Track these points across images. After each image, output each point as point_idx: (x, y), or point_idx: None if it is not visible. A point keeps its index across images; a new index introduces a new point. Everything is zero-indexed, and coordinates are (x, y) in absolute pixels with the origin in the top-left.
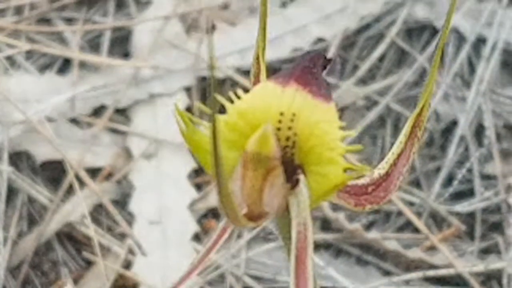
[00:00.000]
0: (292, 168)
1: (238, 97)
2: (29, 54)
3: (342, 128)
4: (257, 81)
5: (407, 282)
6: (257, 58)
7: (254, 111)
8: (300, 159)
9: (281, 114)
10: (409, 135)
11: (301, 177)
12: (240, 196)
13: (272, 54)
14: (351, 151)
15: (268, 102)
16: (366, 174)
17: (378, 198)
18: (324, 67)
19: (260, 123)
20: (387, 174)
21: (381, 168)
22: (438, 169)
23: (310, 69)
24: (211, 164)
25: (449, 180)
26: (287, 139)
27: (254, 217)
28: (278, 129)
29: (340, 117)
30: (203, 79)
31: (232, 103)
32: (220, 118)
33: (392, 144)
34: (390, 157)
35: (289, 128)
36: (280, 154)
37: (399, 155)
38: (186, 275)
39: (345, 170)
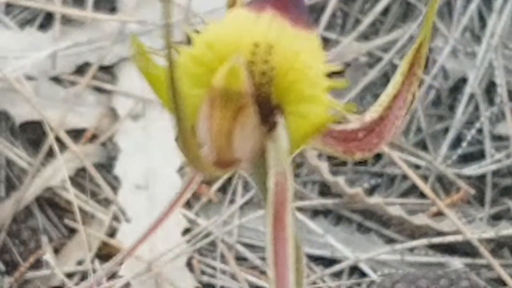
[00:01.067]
0: (268, 109)
1: (206, 25)
2: (8, 8)
3: (326, 61)
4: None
5: (411, 250)
6: None
7: (224, 41)
8: (278, 98)
9: (255, 45)
10: (406, 74)
11: (279, 118)
12: (206, 139)
13: None
14: (337, 87)
15: (239, 31)
16: (356, 116)
17: (371, 145)
18: None
19: (230, 55)
20: (381, 118)
21: (374, 112)
22: (446, 130)
23: None
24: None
25: (457, 141)
26: (263, 74)
27: (223, 164)
28: (252, 62)
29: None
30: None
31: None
32: (185, 50)
33: None
34: (384, 99)
35: (265, 62)
36: (252, 90)
37: (395, 96)
38: (148, 231)
39: (328, 110)
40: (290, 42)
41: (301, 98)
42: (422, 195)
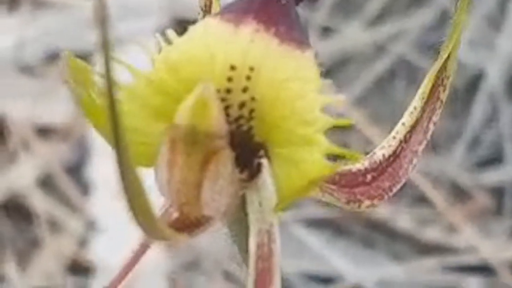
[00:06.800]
0: (249, 150)
1: (168, 42)
2: None
3: (326, 89)
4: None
5: (421, 267)
6: None
7: (191, 63)
8: (262, 136)
9: (232, 67)
10: (428, 98)
11: (264, 162)
12: (166, 193)
13: None
14: (339, 126)
15: (211, 50)
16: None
17: (382, 190)
18: None
19: (199, 82)
20: (395, 155)
21: (386, 147)
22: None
23: None
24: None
25: (473, 144)
26: (241, 106)
27: (188, 225)
28: (228, 91)
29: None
30: (180, 21)
31: (159, 52)
32: (141, 74)
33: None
34: (399, 129)
35: (244, 90)
36: (227, 129)
37: (413, 127)
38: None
39: (328, 156)
40: (276, 65)
41: (290, 139)
42: (434, 205)
